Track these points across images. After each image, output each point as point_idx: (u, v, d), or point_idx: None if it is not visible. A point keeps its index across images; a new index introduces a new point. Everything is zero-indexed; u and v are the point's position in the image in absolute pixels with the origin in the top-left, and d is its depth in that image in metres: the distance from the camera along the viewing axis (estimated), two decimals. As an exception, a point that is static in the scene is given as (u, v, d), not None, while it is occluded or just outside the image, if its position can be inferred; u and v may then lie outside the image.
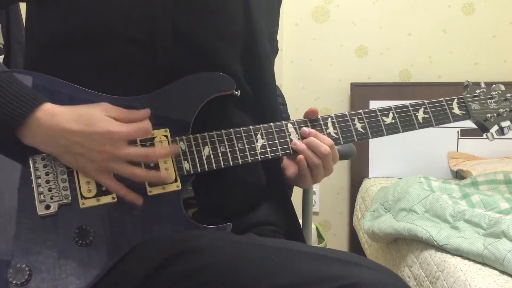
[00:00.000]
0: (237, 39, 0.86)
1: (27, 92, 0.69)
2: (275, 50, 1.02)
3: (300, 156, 0.82)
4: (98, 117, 0.70)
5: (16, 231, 0.70)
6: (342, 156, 1.12)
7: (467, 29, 2.47)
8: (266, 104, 0.90)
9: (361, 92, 2.46)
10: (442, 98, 0.92)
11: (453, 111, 0.92)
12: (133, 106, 0.76)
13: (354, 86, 2.47)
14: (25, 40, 0.84)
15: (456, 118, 0.92)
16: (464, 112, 0.92)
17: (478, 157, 2.38)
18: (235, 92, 0.81)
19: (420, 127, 0.89)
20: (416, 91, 2.44)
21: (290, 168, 0.88)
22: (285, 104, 1.14)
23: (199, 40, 0.81)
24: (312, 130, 0.84)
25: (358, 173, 2.50)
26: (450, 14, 2.46)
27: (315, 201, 2.55)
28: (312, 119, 0.85)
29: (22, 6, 1.60)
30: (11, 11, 1.48)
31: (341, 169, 2.55)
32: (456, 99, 0.93)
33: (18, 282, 0.68)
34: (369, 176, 2.47)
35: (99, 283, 0.70)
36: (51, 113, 0.69)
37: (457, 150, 2.42)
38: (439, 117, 0.90)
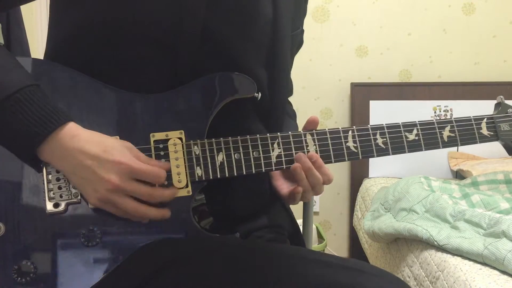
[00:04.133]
0: (263, 44, 0.83)
1: (50, 110, 0.68)
2: (300, 44, 1.00)
3: (299, 188, 0.80)
4: (117, 148, 0.69)
5: (24, 228, 0.70)
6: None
7: (467, 29, 2.47)
8: (279, 112, 0.88)
9: (361, 92, 2.46)
10: (471, 116, 0.86)
11: (481, 131, 0.86)
12: (150, 103, 0.75)
13: (354, 86, 2.47)
14: (48, 30, 0.83)
15: (483, 139, 0.86)
16: (492, 133, 0.87)
17: (478, 157, 2.38)
18: (255, 94, 0.78)
19: (444, 146, 0.84)
20: (416, 91, 2.44)
21: (284, 188, 0.85)
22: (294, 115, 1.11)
23: (228, 42, 0.78)
24: (319, 160, 0.79)
25: (358, 173, 2.50)
26: (450, 14, 2.46)
27: (315, 201, 2.55)
28: (332, 131, 0.81)
29: (22, 7, 1.59)
30: (10, 11, 1.48)
31: (341, 169, 2.55)
32: (485, 119, 0.87)
33: (23, 280, 0.68)
34: (369, 176, 2.47)
35: (101, 283, 0.70)
36: (73, 134, 0.68)
37: (457, 150, 2.42)
38: (466, 137, 0.85)
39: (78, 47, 0.77)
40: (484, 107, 2.33)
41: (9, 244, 0.69)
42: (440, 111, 2.43)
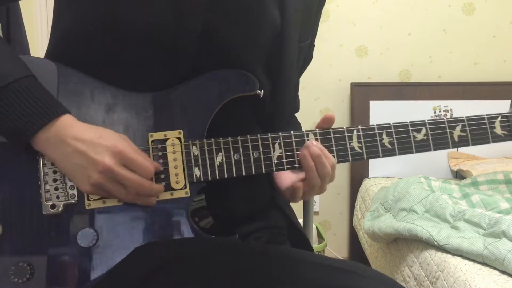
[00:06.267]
0: (267, 49, 0.81)
1: (48, 101, 0.68)
2: (308, 59, 0.96)
3: (305, 183, 0.77)
4: (113, 135, 0.70)
5: (21, 229, 0.70)
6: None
7: (467, 29, 2.47)
8: (281, 125, 0.86)
9: (361, 92, 2.46)
10: (484, 115, 0.82)
11: (494, 130, 0.82)
12: (148, 102, 0.75)
13: (354, 86, 2.47)
14: (51, 29, 0.83)
15: (496, 138, 0.83)
16: (506, 132, 0.83)
17: (478, 157, 2.38)
18: (258, 91, 0.76)
19: (454, 146, 0.80)
20: (416, 91, 2.44)
21: (286, 179, 0.83)
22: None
23: (228, 43, 0.77)
24: (325, 150, 0.76)
25: (358, 173, 2.50)
26: (450, 14, 2.46)
27: (315, 201, 2.55)
28: (336, 130, 0.78)
29: (22, 7, 1.60)
30: (10, 11, 1.48)
31: (341, 169, 2.55)
32: (500, 117, 0.82)
33: (20, 281, 0.68)
34: (369, 176, 2.47)
35: (98, 283, 0.70)
36: (70, 124, 0.69)
37: (457, 150, 2.42)
38: (478, 137, 0.81)
39: (79, 47, 0.77)
40: (484, 107, 2.33)
41: (6, 245, 0.69)
42: (440, 111, 2.43)
